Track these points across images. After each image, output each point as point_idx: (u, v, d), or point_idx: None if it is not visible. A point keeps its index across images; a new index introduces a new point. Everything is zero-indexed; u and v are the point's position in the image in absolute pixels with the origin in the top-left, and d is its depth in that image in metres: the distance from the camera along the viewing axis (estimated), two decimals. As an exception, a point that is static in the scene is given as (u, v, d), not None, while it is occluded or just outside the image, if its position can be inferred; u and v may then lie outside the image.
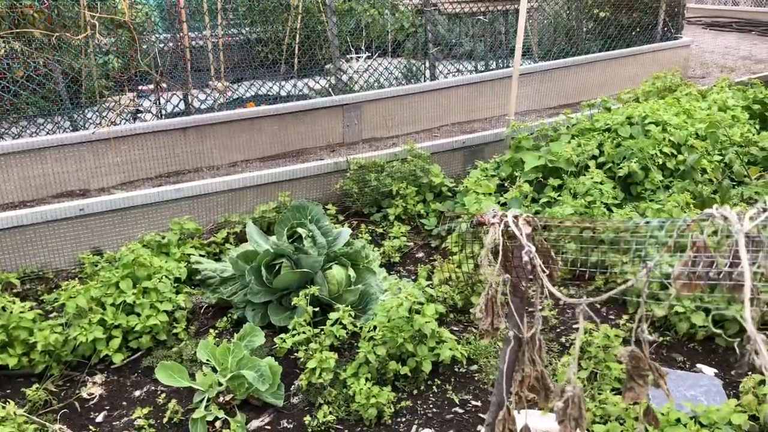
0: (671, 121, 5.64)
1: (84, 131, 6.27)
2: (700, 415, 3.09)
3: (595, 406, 3.25)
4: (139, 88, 7.57)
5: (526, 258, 1.60)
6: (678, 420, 3.08)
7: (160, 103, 7.15)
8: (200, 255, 4.89)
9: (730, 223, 1.27)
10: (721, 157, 5.65)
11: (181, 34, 7.59)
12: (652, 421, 1.72)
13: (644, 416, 1.72)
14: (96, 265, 4.61)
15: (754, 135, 6.10)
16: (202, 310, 4.50)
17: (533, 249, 1.61)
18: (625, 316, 4.13)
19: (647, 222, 1.71)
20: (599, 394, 3.34)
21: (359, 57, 8.76)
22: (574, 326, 4.11)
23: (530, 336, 1.73)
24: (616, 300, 4.38)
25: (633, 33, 9.98)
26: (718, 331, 3.93)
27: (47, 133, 6.21)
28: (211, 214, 5.50)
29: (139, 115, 7.18)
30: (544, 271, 1.59)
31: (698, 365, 3.80)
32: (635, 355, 1.60)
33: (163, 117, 7.02)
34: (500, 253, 1.68)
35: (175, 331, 4.17)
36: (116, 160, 6.29)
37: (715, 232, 1.39)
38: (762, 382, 3.33)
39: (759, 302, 1.41)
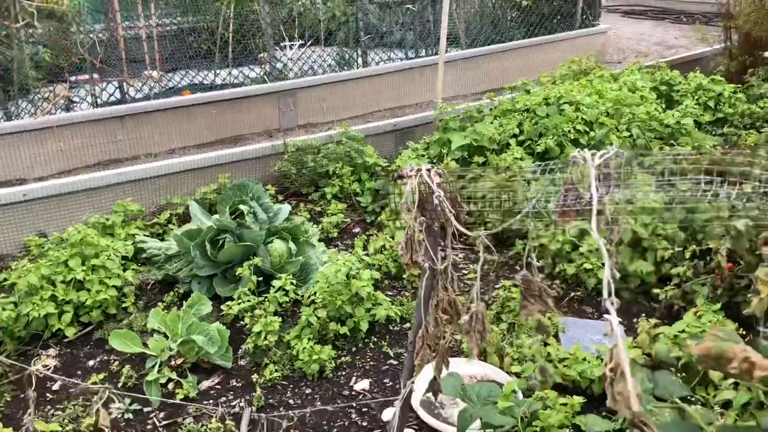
0: (584, 101, 6.14)
1: (19, 120, 6.33)
2: (602, 354, 3.54)
3: (513, 350, 3.66)
4: (73, 78, 7.61)
5: (436, 201, 1.95)
6: (584, 358, 3.53)
7: (95, 93, 7.24)
8: (145, 235, 5.08)
9: (587, 163, 1.65)
10: (629, 133, 6.19)
11: (115, 24, 7.68)
12: (543, 332, 2.10)
13: (537, 329, 2.10)
14: (42, 247, 4.76)
15: (660, 113, 6.68)
16: (149, 287, 4.71)
17: (442, 193, 1.96)
18: (541, 276, 4.58)
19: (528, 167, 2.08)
20: (517, 339, 3.76)
21: (293, 45, 8.99)
22: (496, 286, 4.52)
23: (443, 267, 2.08)
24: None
25: (554, 21, 10.54)
26: (623, 285, 4.42)
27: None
28: (153, 197, 5.68)
29: (73, 104, 7.25)
30: (451, 212, 1.95)
31: (605, 315, 4.27)
32: (526, 279, 1.97)
33: (99, 106, 7.12)
34: (416, 199, 2.03)
35: (124, 305, 4.38)
36: (54, 149, 6.37)
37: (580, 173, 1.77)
38: (656, 326, 3.81)
39: (617, 224, 1.80)
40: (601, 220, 1.72)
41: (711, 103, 7.20)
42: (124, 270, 4.54)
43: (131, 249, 4.73)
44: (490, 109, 6.58)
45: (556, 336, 3.93)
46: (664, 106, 7.06)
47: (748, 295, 3.52)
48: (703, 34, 9.21)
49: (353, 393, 3.69)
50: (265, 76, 8.23)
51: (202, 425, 3.41)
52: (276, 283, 4.20)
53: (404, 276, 4.72)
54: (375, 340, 4.10)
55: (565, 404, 3.14)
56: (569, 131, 5.81)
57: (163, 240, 5.12)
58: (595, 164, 1.62)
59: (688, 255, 4.22)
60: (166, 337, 3.86)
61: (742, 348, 1.34)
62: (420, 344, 2.09)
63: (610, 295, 1.49)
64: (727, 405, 3.07)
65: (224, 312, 4.15)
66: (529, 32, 10.19)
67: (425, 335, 2.08)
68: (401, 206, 2.08)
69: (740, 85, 7.61)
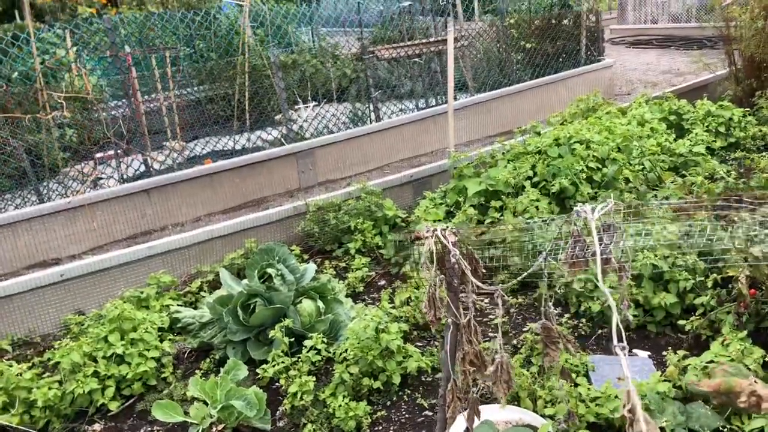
0: (594, 138, 6.27)
1: (51, 202, 6.60)
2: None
3: (545, 393, 3.71)
4: (99, 155, 7.94)
5: (453, 260, 2.07)
6: (616, 396, 3.57)
7: (121, 169, 7.54)
8: (178, 305, 5.25)
9: (588, 216, 1.77)
10: (641, 166, 6.28)
11: (135, 101, 8.02)
12: (567, 377, 2.19)
13: (560, 374, 2.18)
14: (82, 324, 4.94)
15: (671, 143, 6.78)
16: (185, 355, 4.85)
17: (458, 252, 2.08)
18: (567, 315, 4.64)
19: (534, 221, 2.20)
20: (548, 381, 3.81)
21: (307, 106, 9.28)
22: (524, 329, 4.59)
23: (466, 321, 2.19)
24: (560, 302, 4.88)
25: (559, 60, 10.76)
26: (649, 319, 4.46)
27: (15, 207, 6.53)
28: (184, 266, 5.87)
29: (100, 182, 7.55)
30: (467, 268, 2.07)
31: (634, 350, 4.31)
32: (546, 326, 2.08)
33: (126, 181, 7.40)
34: (434, 259, 2.15)
35: (163, 375, 4.52)
36: (85, 227, 6.62)
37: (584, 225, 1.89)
38: (685, 357, 3.85)
39: (624, 270, 1.90)
40: (609, 268, 1.83)
41: (722, 129, 7.28)
42: (161, 341, 4.69)
43: (167, 320, 4.90)
44: (503, 154, 6.73)
45: (586, 375, 3.97)
46: (675, 135, 7.17)
47: (773, 321, 3.56)
48: (707, 61, 9.34)
49: (391, 447, 3.75)
50: (282, 139, 8.49)
51: (247, 489, 3.49)
52: (307, 343, 4.31)
53: (432, 328, 4.81)
54: (408, 392, 4.18)
55: (599, 443, 3.18)
56: (582, 170, 5.92)
57: (196, 308, 5.28)
58: (594, 218, 1.74)
59: (710, 284, 4.27)
60: (206, 404, 3.98)
61: (749, 382, 1.43)
62: (450, 397, 2.18)
63: (620, 340, 1.58)
64: (761, 433, 3.09)
65: (260, 375, 4.26)
66: (536, 73, 10.41)
67: (454, 388, 2.18)
68: (421, 266, 2.21)
69: (749, 109, 7.70)
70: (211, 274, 5.65)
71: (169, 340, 4.79)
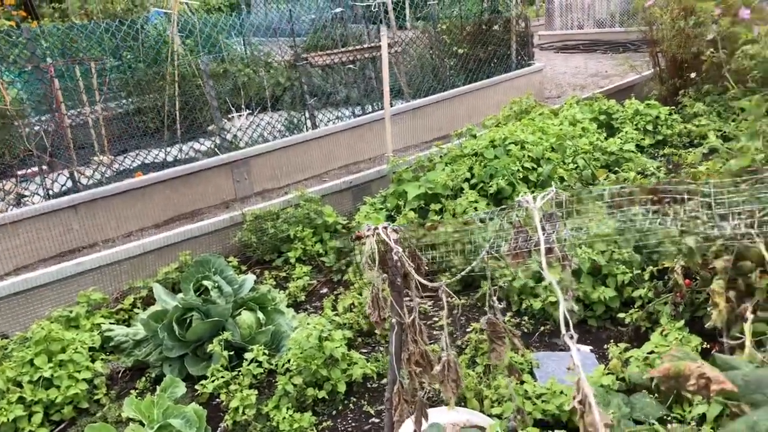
0: (528, 139, 6.34)
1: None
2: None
3: (492, 392, 3.69)
4: (21, 172, 7.56)
5: (395, 257, 2.01)
6: (561, 392, 3.57)
7: (46, 185, 7.19)
8: (110, 323, 5.01)
9: (531, 205, 1.73)
10: (575, 165, 6.39)
11: (60, 114, 7.69)
12: (514, 373, 2.15)
13: (507, 371, 2.15)
14: (5, 348, 4.64)
15: (602, 142, 6.93)
16: (119, 375, 4.62)
17: (400, 249, 2.02)
18: (509, 314, 4.65)
19: (476, 215, 2.16)
20: (494, 381, 3.79)
21: (240, 115, 9.10)
22: (468, 330, 4.57)
23: (411, 321, 2.13)
24: (501, 300, 4.88)
25: (491, 65, 10.92)
26: (589, 313, 4.51)
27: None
28: (115, 282, 5.62)
29: (24, 199, 7.19)
30: (411, 266, 2.01)
31: (576, 345, 4.34)
32: (491, 321, 2.03)
33: (51, 197, 7.06)
34: (377, 258, 2.08)
35: (96, 397, 4.28)
36: (8, 246, 6.27)
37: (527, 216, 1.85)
38: (626, 349, 3.90)
39: (568, 259, 1.88)
40: (552, 258, 1.80)
41: (649, 127, 7.50)
42: (93, 361, 4.46)
43: (98, 339, 4.66)
44: (440, 157, 6.74)
45: (531, 372, 3.97)
46: (605, 134, 7.34)
47: (708, 309, 3.64)
48: (632, 63, 9.64)
49: (339, 457, 3.65)
50: (216, 149, 8.29)
51: None
52: (248, 356, 4.17)
53: (377, 332, 4.74)
54: (354, 400, 4.09)
55: (548, 440, 3.17)
56: (518, 170, 5.98)
57: (129, 326, 5.05)
58: (537, 206, 1.70)
59: (647, 276, 4.35)
60: (143, 424, 3.78)
61: (698, 365, 1.41)
62: (397, 400, 2.11)
63: (568, 328, 1.55)
64: (702, 418, 3.14)
65: (199, 392, 4.09)
66: (469, 78, 10.53)
67: (401, 390, 2.11)
68: (363, 266, 2.13)
69: (674, 107, 7.97)
70: (144, 290, 5.42)
71: (102, 360, 4.56)
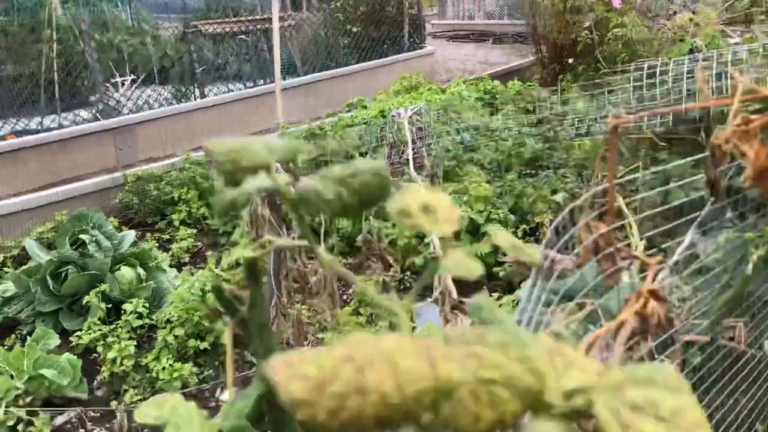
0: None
1: None
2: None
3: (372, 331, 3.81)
4: None
5: (273, 173, 2.06)
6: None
7: None
8: (-24, 282, 4.73)
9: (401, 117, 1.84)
10: (460, 137, 6.64)
11: None
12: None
13: (389, 327, 2.25)
14: None
15: (485, 117, 7.23)
16: (-14, 334, 4.39)
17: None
18: (393, 270, 4.80)
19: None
20: (376, 328, 3.92)
21: (124, 80, 8.75)
22: (348, 290, 4.68)
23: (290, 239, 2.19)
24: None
25: (384, 45, 11.07)
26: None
27: None
28: (-17, 243, 5.31)
29: None
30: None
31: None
32: (367, 240, 2.13)
33: None
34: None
35: (-41, 355, 4.04)
36: None
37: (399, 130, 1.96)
38: (498, 299, 4.14)
39: (437, 167, 2.00)
40: (424, 170, 1.91)
41: (530, 107, 7.90)
42: (-45, 319, 4.21)
43: (-39, 297, 4.40)
44: (332, 126, 6.81)
45: (412, 320, 4.13)
46: (490, 112, 7.66)
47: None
48: (519, 53, 10.10)
49: (220, 403, 3.65)
50: (98, 114, 7.94)
51: (60, 459, 3.24)
52: (127, 307, 4.08)
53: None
54: (238, 351, 4.09)
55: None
56: (406, 138, 6.15)
57: (-2, 285, 4.79)
58: (407, 116, 1.81)
59: (520, 234, 4.62)
60: (12, 377, 3.63)
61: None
62: (274, 313, 2.17)
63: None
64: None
65: (74, 343, 3.96)
66: (363, 57, 10.63)
67: (278, 303, 2.17)
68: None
69: (554, 90, 8.43)
70: (16, 249, 5.16)
71: (-34, 318, 4.31)
